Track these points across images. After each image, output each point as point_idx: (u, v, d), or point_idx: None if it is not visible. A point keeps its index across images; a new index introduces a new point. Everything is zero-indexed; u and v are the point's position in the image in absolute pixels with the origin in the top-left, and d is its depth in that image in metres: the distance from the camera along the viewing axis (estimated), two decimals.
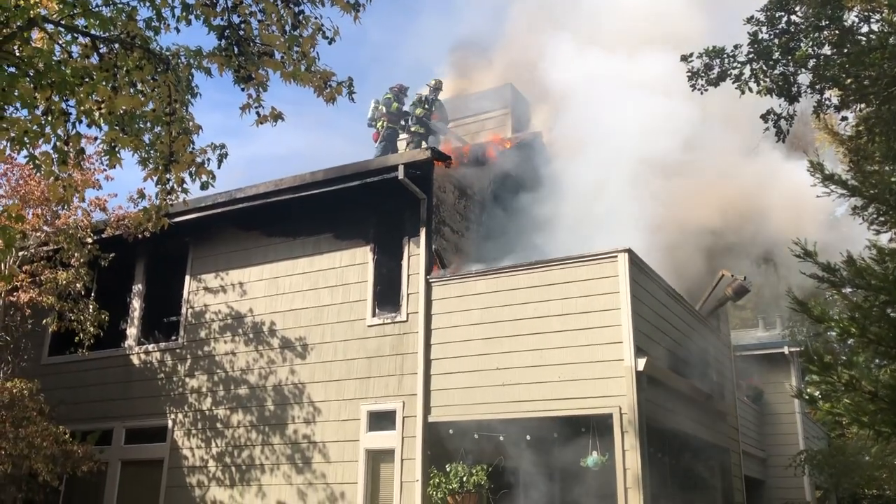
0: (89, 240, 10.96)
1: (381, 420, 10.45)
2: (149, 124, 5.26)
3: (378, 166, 10.77)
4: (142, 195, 5.80)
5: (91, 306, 11.44)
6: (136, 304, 13.14)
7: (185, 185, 5.45)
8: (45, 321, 11.32)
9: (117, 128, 4.92)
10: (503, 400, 9.75)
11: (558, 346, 9.59)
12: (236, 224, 12.29)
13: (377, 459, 10.36)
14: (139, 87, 5.12)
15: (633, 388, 8.99)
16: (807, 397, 7.13)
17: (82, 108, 4.88)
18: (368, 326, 10.86)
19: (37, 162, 4.84)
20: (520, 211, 11.86)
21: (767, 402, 19.09)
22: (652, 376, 9.43)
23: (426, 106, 13.81)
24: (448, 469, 9.65)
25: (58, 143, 4.90)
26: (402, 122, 14.10)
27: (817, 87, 5.85)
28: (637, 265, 9.80)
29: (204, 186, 6.36)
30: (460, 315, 10.34)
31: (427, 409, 10.13)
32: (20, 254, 11.44)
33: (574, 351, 9.48)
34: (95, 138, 5.18)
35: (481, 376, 9.94)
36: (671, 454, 10.60)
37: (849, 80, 5.53)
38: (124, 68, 5.01)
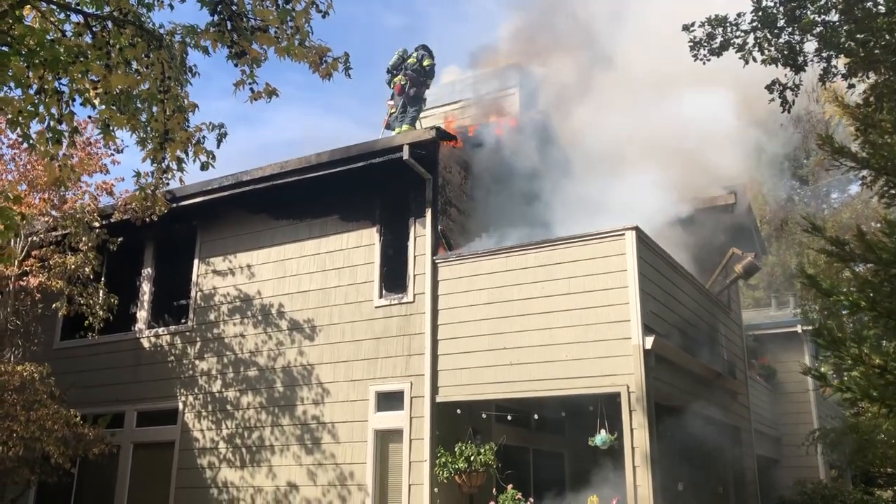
0: (96, 224, 10.97)
1: (389, 400, 10.44)
2: (145, 103, 5.21)
3: (383, 147, 10.70)
4: (138, 175, 5.75)
5: (100, 290, 11.48)
6: (146, 287, 13.19)
7: (182, 164, 5.41)
8: (54, 305, 11.36)
9: (113, 107, 4.88)
10: (511, 380, 9.72)
11: (566, 325, 9.54)
12: (243, 207, 12.28)
13: (385, 440, 10.37)
14: (134, 65, 5.06)
15: (641, 366, 8.93)
16: (816, 374, 7.03)
17: (75, 86, 4.84)
18: (376, 308, 10.84)
19: (31, 142, 4.82)
20: (526, 190, 11.77)
21: (781, 380, 18.98)
22: (660, 354, 9.37)
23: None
24: (455, 449, 9.65)
25: (52, 123, 4.86)
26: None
27: (823, 54, 5.70)
28: (645, 243, 9.71)
29: (204, 167, 6.32)
30: (467, 295, 10.30)
31: (435, 389, 10.11)
32: (29, 239, 11.49)
33: (582, 330, 9.43)
34: (93, 118, 5.11)
35: (489, 356, 9.91)
36: (681, 433, 10.54)
37: (856, 48, 5.38)
38: (117, 46, 4.96)
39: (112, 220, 11.90)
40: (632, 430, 8.85)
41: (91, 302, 11.30)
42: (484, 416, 10.26)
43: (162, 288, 13.22)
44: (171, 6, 5.29)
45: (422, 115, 13.11)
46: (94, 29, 5.07)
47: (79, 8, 5.04)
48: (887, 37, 5.36)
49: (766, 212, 16.14)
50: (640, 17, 12.91)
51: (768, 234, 16.00)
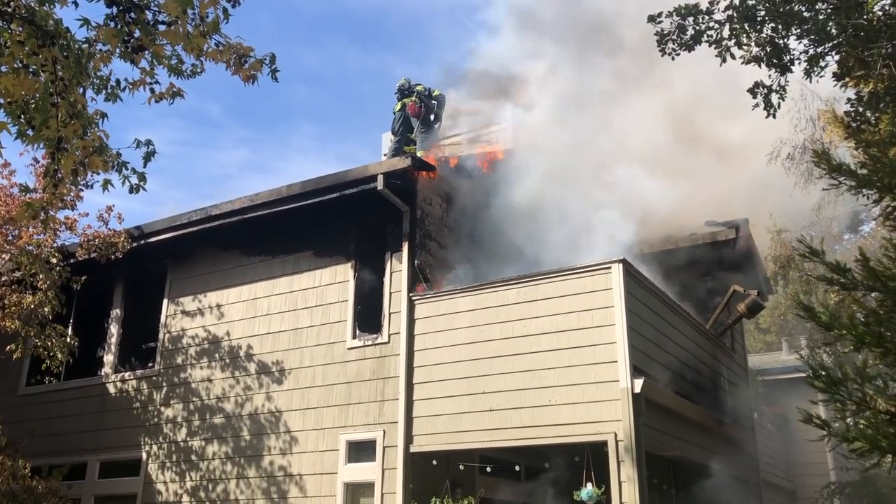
0: (54, 260, 10.35)
1: (360, 450, 9.64)
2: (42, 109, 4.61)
3: (356, 177, 10.08)
4: (25, 189, 5.12)
5: (59, 331, 10.80)
6: (114, 329, 12.52)
7: (77, 178, 4.78)
8: (8, 348, 10.68)
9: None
10: (491, 427, 8.91)
11: (550, 366, 8.76)
12: (215, 243, 11.66)
13: (356, 493, 9.54)
14: (26, 65, 4.47)
15: (630, 411, 8.11)
16: (819, 421, 6.22)
17: None
18: (348, 349, 10.10)
19: None
20: (511, 224, 11.08)
21: (795, 429, 17.92)
22: (651, 399, 8.54)
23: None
24: (431, 503, 8.81)
25: None
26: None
27: (810, 51, 5.00)
28: (633, 277, 8.97)
29: (134, 190, 5.71)
30: (445, 335, 9.56)
31: (409, 438, 9.31)
32: None
33: (566, 371, 8.64)
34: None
35: (467, 401, 9.12)
36: (677, 485, 9.65)
37: (849, 39, 4.72)
38: (5, 44, 4.39)
39: (79, 258, 11.31)
40: (620, 483, 7.98)
41: (49, 344, 10.61)
42: (462, 466, 9.42)
43: (130, 330, 12.56)
44: (76, 3, 4.72)
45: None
46: None
47: None
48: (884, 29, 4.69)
49: (774, 248, 15.37)
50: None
51: (774, 272, 15.16)
